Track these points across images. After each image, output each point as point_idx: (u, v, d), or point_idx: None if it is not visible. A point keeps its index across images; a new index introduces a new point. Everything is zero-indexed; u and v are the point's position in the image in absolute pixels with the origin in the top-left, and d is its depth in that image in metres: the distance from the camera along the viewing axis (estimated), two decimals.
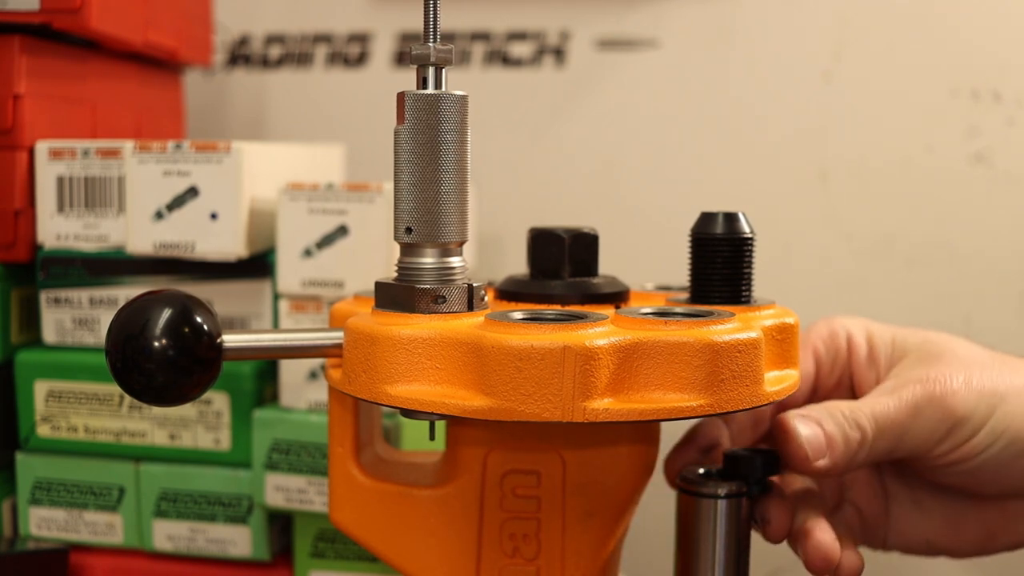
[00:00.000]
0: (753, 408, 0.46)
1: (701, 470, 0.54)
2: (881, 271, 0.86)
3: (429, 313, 0.46)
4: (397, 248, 0.48)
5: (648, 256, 0.83)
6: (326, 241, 0.63)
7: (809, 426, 0.52)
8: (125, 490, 0.66)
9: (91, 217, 0.66)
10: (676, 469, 0.57)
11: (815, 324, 0.61)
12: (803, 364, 0.58)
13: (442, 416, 0.44)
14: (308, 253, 0.63)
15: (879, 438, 0.52)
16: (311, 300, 0.64)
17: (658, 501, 0.60)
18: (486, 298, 0.49)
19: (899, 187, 0.86)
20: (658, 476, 0.54)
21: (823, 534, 0.52)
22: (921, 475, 0.57)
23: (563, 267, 0.52)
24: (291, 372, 0.64)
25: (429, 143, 0.46)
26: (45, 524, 0.67)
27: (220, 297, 0.66)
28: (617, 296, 0.52)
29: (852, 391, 0.59)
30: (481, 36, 0.91)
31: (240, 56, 0.94)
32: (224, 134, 0.93)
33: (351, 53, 0.93)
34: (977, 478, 0.54)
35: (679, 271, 0.56)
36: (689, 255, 0.52)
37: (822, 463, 0.52)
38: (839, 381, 0.59)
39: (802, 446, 0.52)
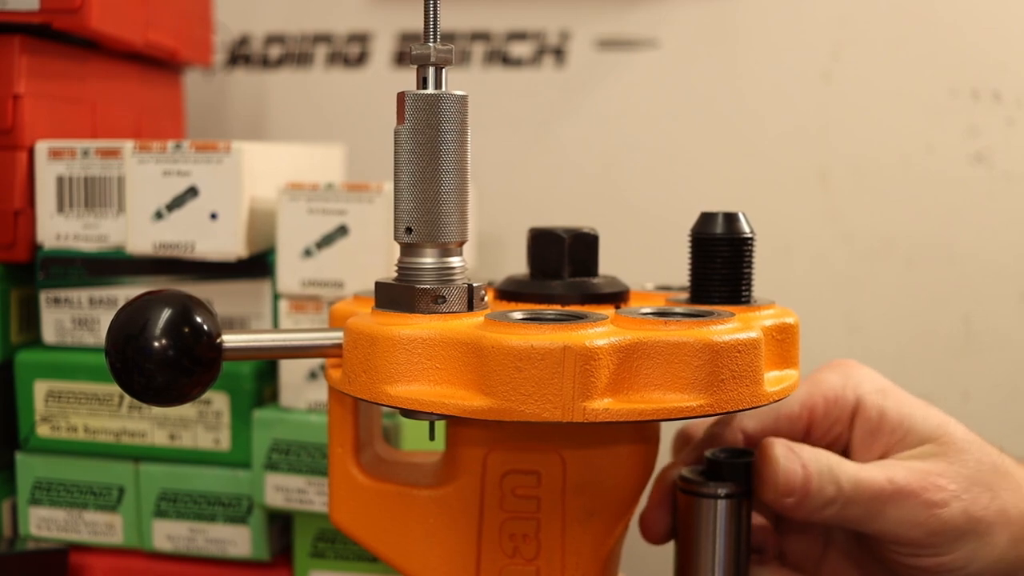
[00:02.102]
0: (753, 408, 0.45)
1: (686, 472, 0.54)
2: (881, 271, 0.86)
3: (429, 313, 0.46)
4: (397, 248, 0.48)
5: (648, 256, 0.83)
6: (326, 241, 0.63)
7: (792, 462, 0.51)
8: (125, 490, 0.66)
9: (91, 217, 0.66)
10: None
11: (827, 374, 0.57)
12: (792, 425, 0.55)
13: (442, 416, 0.44)
14: (308, 253, 0.63)
15: (852, 504, 0.50)
16: (311, 300, 0.63)
17: None
18: (486, 298, 0.49)
19: (899, 187, 0.86)
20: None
21: None
22: (882, 558, 0.54)
23: (563, 267, 0.52)
24: (291, 372, 0.64)
25: (429, 143, 0.46)
26: (45, 524, 0.67)
27: (220, 297, 0.66)
28: (617, 296, 0.52)
29: (845, 453, 0.55)
30: (481, 36, 0.91)
31: (240, 56, 0.94)
32: (224, 134, 0.93)
33: (351, 53, 0.93)
34: None
35: (679, 271, 0.56)
36: (689, 255, 0.52)
37: (789, 501, 0.51)
38: (831, 445, 0.56)
39: (778, 477, 0.50)
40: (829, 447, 0.55)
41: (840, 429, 0.55)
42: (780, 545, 0.58)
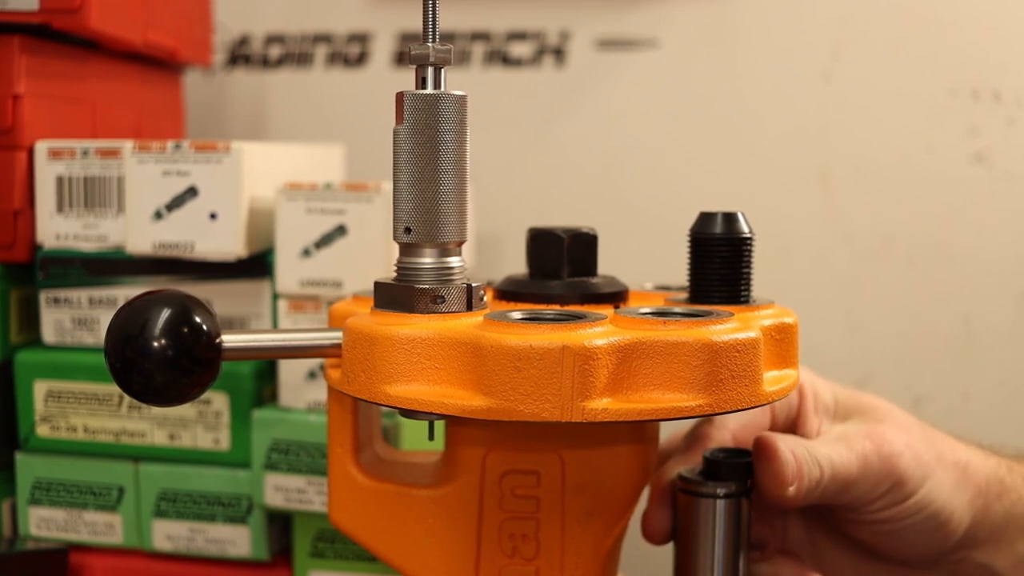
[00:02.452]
0: (752, 408, 0.45)
1: (685, 472, 0.54)
2: (881, 271, 0.86)
3: (428, 313, 0.46)
4: (396, 248, 0.48)
5: (648, 256, 0.83)
6: (325, 241, 0.63)
7: (787, 453, 0.53)
8: (125, 490, 0.66)
9: (90, 217, 0.66)
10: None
11: None
12: (763, 416, 0.59)
13: (441, 416, 0.44)
14: (307, 253, 0.63)
15: (831, 481, 0.53)
16: (310, 300, 0.63)
17: None
18: (485, 298, 0.49)
19: (899, 187, 0.86)
20: None
21: None
22: (842, 528, 0.57)
23: (562, 267, 0.52)
24: (290, 372, 0.64)
25: (428, 143, 0.46)
26: (45, 524, 0.67)
27: (220, 297, 0.66)
28: (616, 296, 0.52)
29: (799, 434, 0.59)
30: (481, 36, 0.91)
31: (240, 56, 0.94)
32: (224, 134, 0.93)
33: (351, 53, 0.93)
34: (893, 541, 0.56)
35: (679, 271, 0.56)
36: (688, 255, 0.52)
37: (791, 491, 0.52)
38: (791, 428, 0.59)
39: (785, 469, 0.52)
40: (788, 431, 0.58)
41: (791, 416, 0.59)
42: (783, 539, 0.59)
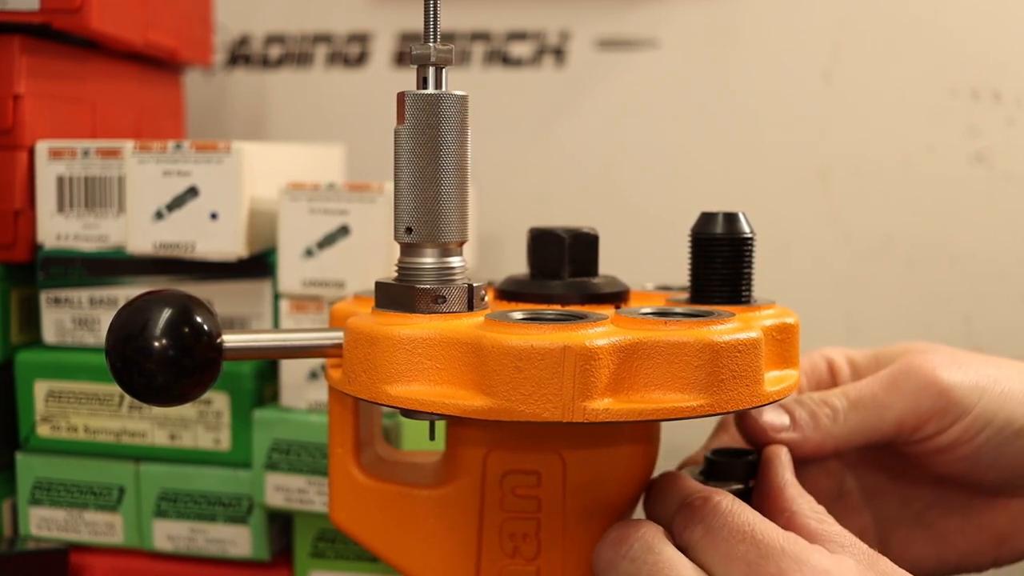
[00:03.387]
0: (753, 408, 0.46)
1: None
2: (881, 271, 0.86)
3: (429, 313, 0.46)
4: (398, 248, 0.48)
5: (648, 256, 0.83)
6: (327, 241, 0.63)
7: (770, 410, 0.53)
8: (125, 490, 0.66)
9: (91, 217, 0.66)
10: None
11: None
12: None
13: (442, 416, 0.44)
14: (309, 253, 0.63)
15: (852, 410, 0.52)
16: (312, 300, 0.64)
17: None
18: (486, 298, 0.49)
19: (899, 187, 0.86)
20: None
21: None
22: (918, 466, 0.55)
23: (563, 267, 0.52)
24: (291, 372, 0.64)
25: (429, 143, 0.46)
26: (45, 524, 0.67)
27: (220, 297, 0.66)
28: (617, 296, 0.52)
29: None
30: (481, 36, 0.91)
31: (240, 56, 0.94)
32: (224, 134, 0.93)
33: (351, 53, 0.93)
34: (976, 465, 0.53)
35: (679, 271, 0.56)
36: (689, 255, 0.52)
37: (787, 435, 0.52)
38: None
39: (756, 420, 0.52)
40: None
41: (826, 387, 0.57)
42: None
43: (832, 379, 0.58)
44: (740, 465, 0.53)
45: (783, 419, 0.53)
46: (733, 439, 0.58)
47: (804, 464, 0.54)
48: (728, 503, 0.45)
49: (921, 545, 0.57)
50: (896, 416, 0.52)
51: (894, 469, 0.57)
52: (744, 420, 0.54)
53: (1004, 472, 0.53)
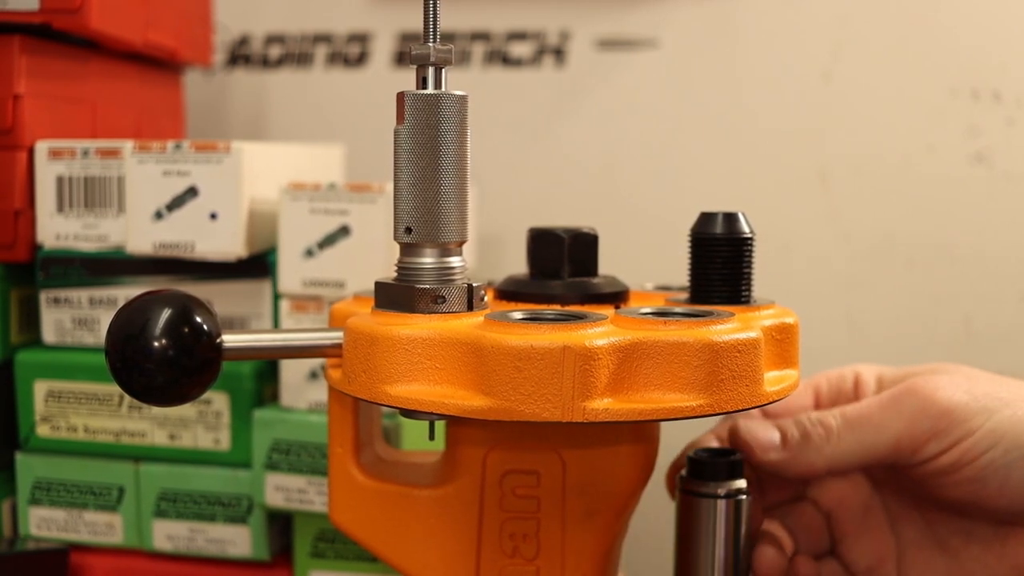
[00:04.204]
0: (753, 408, 0.46)
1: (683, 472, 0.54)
2: (881, 271, 0.86)
3: (429, 313, 0.46)
4: (397, 248, 0.48)
5: (648, 256, 0.83)
6: (327, 241, 0.63)
7: (760, 425, 0.52)
8: (125, 490, 0.66)
9: (91, 217, 0.66)
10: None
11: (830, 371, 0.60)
12: (802, 398, 0.58)
13: (442, 416, 0.44)
14: (309, 253, 0.63)
15: (848, 430, 0.51)
16: (312, 300, 0.63)
17: (658, 501, 0.60)
18: (486, 298, 0.49)
19: (899, 187, 0.86)
20: (658, 475, 0.54)
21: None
22: (928, 491, 0.54)
23: (563, 267, 0.52)
24: (291, 372, 0.64)
25: (429, 143, 0.46)
26: (45, 524, 0.67)
27: (220, 297, 0.66)
28: (617, 296, 0.52)
29: None
30: (481, 36, 0.91)
31: (240, 56, 0.94)
32: (224, 134, 0.93)
33: (351, 53, 0.93)
34: (984, 488, 0.51)
35: (679, 271, 0.56)
36: (689, 255, 0.52)
37: (775, 455, 0.52)
38: None
39: (745, 439, 0.52)
40: None
41: (845, 402, 0.57)
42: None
43: (855, 394, 0.57)
44: (723, 465, 0.53)
45: (773, 437, 0.53)
46: (721, 440, 0.58)
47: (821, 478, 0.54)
48: None
49: (940, 571, 0.55)
50: (892, 437, 0.51)
51: (918, 492, 0.56)
52: (735, 436, 0.54)
53: (1016, 499, 0.52)
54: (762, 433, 0.53)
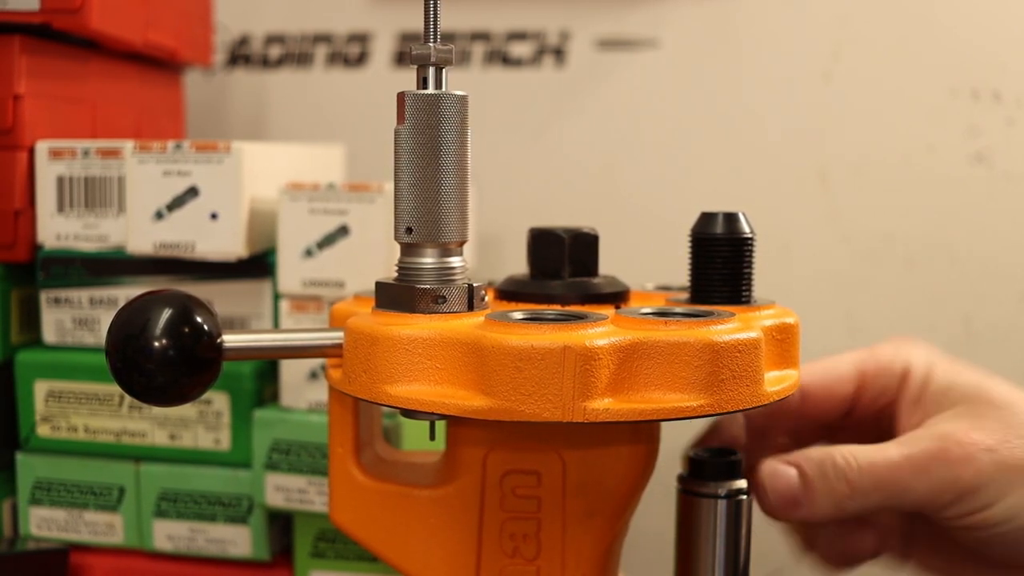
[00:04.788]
0: (753, 408, 0.45)
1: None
2: (881, 271, 0.86)
3: (429, 313, 0.46)
4: (398, 248, 0.48)
5: (648, 256, 0.83)
6: (327, 241, 0.63)
7: (782, 476, 0.52)
8: (125, 490, 0.66)
9: (91, 217, 0.66)
10: None
11: (883, 346, 0.58)
12: (845, 386, 0.57)
13: (442, 416, 0.44)
14: (309, 253, 0.63)
15: (873, 490, 0.51)
16: (312, 300, 0.64)
17: (658, 501, 0.60)
18: (486, 298, 0.49)
19: (899, 187, 0.86)
20: (658, 475, 0.54)
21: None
22: (942, 528, 0.53)
23: (563, 267, 0.52)
24: (291, 372, 0.64)
25: (429, 143, 0.46)
26: (45, 524, 0.67)
27: (220, 297, 0.66)
28: (617, 296, 0.52)
29: (892, 424, 0.56)
30: (481, 36, 0.91)
31: (240, 56, 0.94)
32: (224, 134, 0.93)
33: (351, 53, 0.93)
34: (998, 547, 0.51)
35: (679, 271, 0.56)
36: (689, 255, 0.52)
37: (800, 512, 0.51)
38: (880, 413, 0.57)
39: (768, 497, 0.52)
40: (876, 417, 0.56)
41: (887, 399, 0.56)
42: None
43: (898, 390, 0.55)
44: (723, 465, 0.53)
45: (795, 493, 0.52)
46: (721, 439, 0.58)
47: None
48: None
49: (936, 566, 0.56)
50: (916, 499, 0.51)
51: (935, 527, 0.55)
52: (754, 480, 0.53)
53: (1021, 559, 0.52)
54: (782, 484, 0.52)
